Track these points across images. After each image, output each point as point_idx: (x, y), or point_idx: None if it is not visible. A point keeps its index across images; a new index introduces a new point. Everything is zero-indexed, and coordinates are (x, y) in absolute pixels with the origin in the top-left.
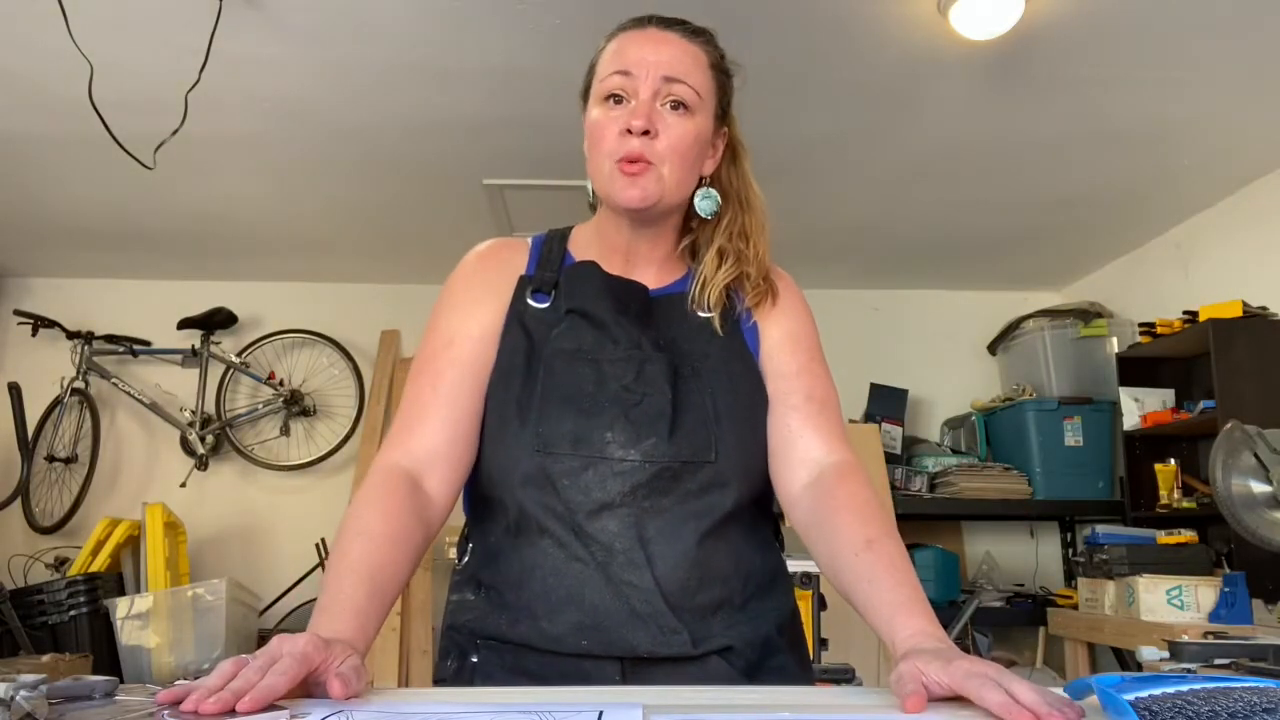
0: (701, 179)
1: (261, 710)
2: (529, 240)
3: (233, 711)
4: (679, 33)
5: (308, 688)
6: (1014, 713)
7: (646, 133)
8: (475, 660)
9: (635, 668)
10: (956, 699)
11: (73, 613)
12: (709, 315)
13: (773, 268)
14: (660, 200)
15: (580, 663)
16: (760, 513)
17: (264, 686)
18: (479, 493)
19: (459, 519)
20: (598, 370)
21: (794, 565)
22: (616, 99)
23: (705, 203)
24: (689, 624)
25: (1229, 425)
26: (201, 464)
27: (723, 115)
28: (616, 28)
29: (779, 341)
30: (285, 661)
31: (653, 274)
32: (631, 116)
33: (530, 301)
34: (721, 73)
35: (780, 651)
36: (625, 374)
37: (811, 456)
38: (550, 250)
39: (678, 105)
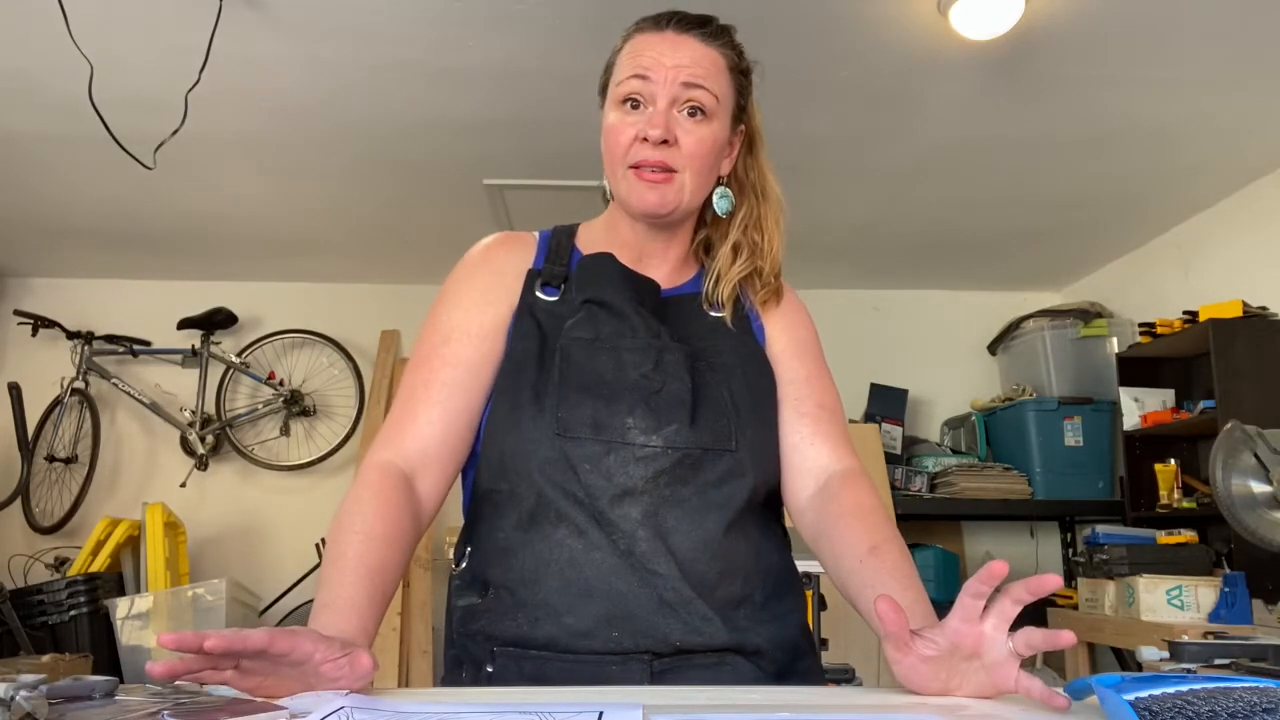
0: (719, 179)
1: (235, 706)
2: (535, 235)
3: (229, 710)
4: (697, 36)
5: (308, 683)
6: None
7: (665, 141)
8: (491, 670)
9: (664, 670)
10: (955, 699)
11: (73, 613)
12: (721, 314)
13: None
14: (679, 207)
15: (606, 667)
16: (774, 512)
17: (237, 632)
18: (485, 487)
19: (459, 519)
20: (616, 358)
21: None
22: (634, 103)
23: (722, 202)
24: (718, 614)
25: (1229, 425)
26: (201, 464)
27: (739, 114)
28: (634, 26)
29: (786, 346)
30: (268, 627)
31: (665, 274)
32: (649, 125)
33: (540, 294)
34: (740, 74)
35: (806, 654)
36: (644, 362)
37: (820, 465)
38: (558, 244)
39: (695, 111)
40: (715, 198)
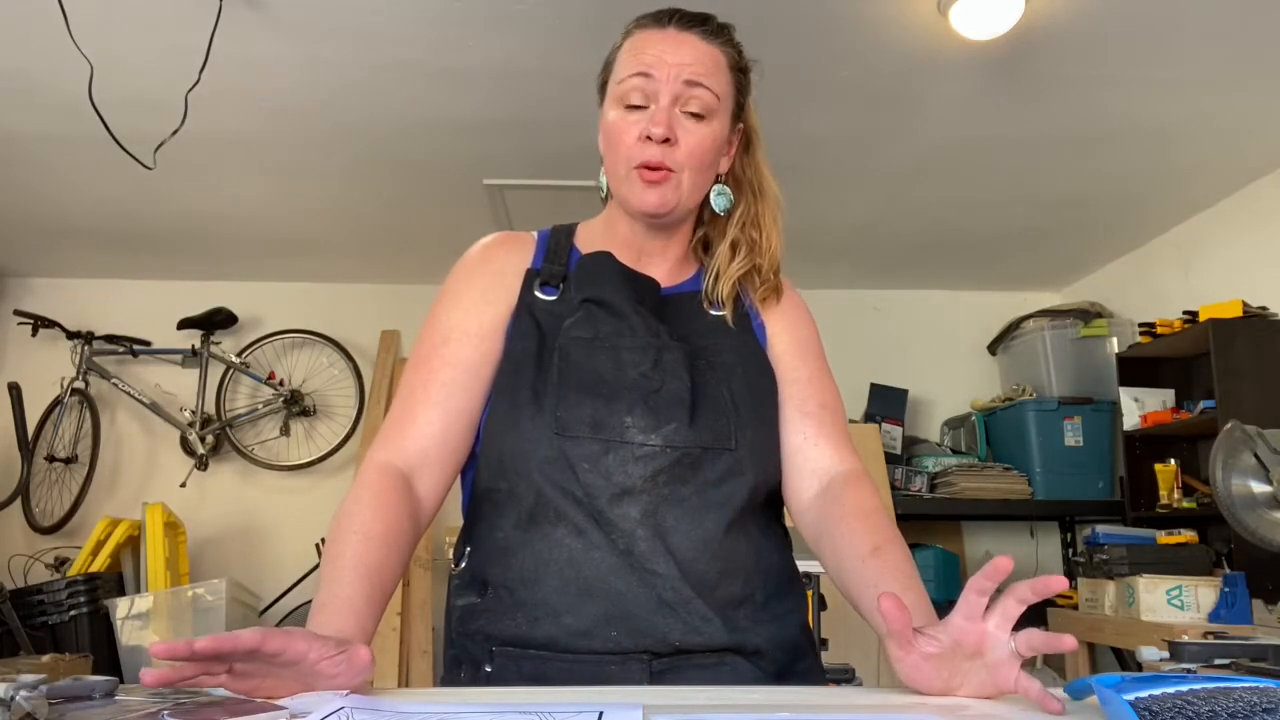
0: (717, 177)
1: (235, 706)
2: (534, 234)
3: (229, 710)
4: (699, 34)
5: (307, 683)
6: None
7: (666, 140)
8: (489, 670)
9: (663, 670)
10: (952, 694)
11: (73, 613)
12: (721, 313)
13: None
14: (678, 206)
15: (605, 667)
16: (774, 511)
17: (228, 634)
18: (484, 486)
19: (459, 519)
20: (615, 357)
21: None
22: (635, 102)
23: (720, 199)
24: (718, 614)
25: (1229, 425)
26: (201, 464)
27: (738, 112)
28: (635, 23)
29: (788, 346)
30: (261, 627)
31: (664, 272)
32: (651, 123)
33: (538, 294)
34: (740, 72)
35: (806, 655)
36: (643, 361)
37: (822, 466)
38: (557, 244)
39: (696, 112)
40: (713, 195)
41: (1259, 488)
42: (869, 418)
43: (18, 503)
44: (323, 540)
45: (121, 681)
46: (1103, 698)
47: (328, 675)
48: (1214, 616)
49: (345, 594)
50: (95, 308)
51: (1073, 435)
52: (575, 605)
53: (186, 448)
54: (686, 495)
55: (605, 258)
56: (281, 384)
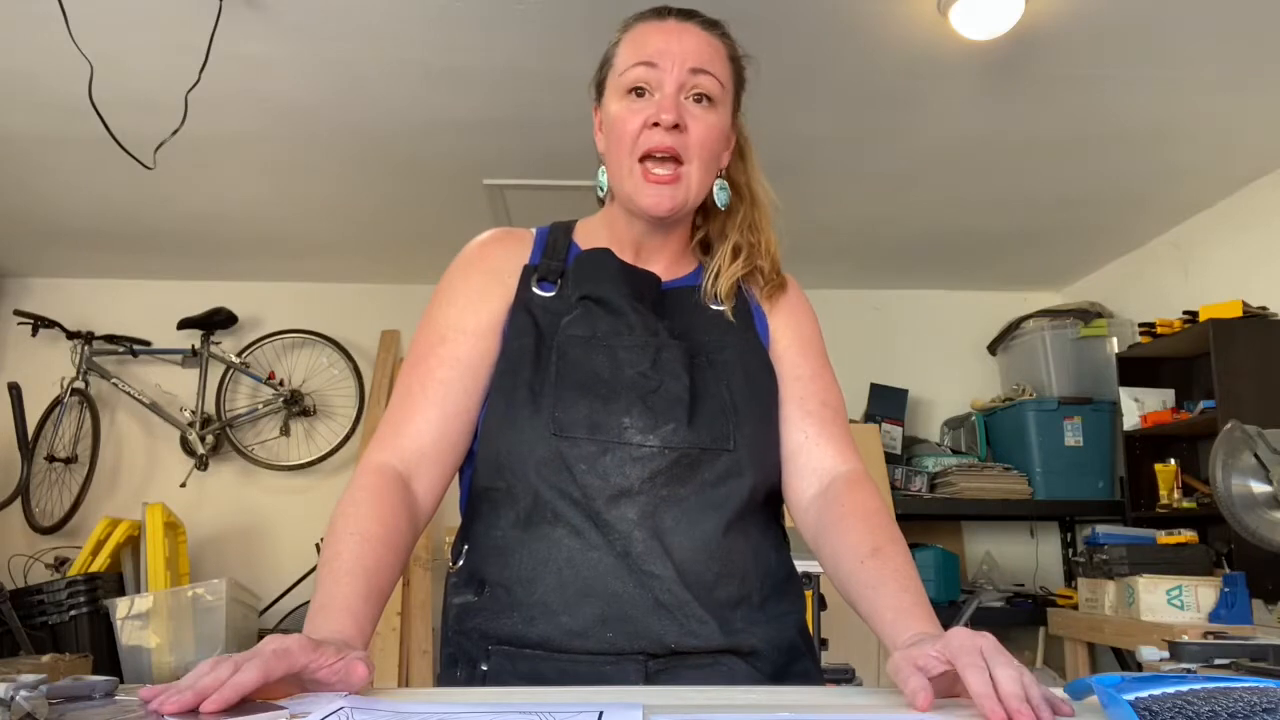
0: (718, 172)
1: (235, 707)
2: (532, 231)
3: (229, 711)
4: (698, 24)
5: (304, 686)
6: (988, 703)
7: (675, 126)
8: (485, 669)
9: (659, 670)
10: (956, 696)
11: (73, 613)
12: (721, 308)
13: None
14: (685, 205)
15: (601, 667)
16: (773, 511)
17: (231, 684)
18: (481, 485)
19: (459, 518)
20: (613, 356)
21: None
22: (639, 91)
23: (721, 194)
24: (714, 616)
25: (1229, 425)
26: (201, 464)
27: (737, 105)
28: (632, 19)
29: (790, 343)
30: (260, 659)
31: (663, 267)
32: (660, 110)
33: (536, 290)
34: (738, 65)
35: (803, 656)
36: (641, 360)
37: (824, 466)
38: (556, 240)
39: (701, 98)
40: (715, 189)
41: (1259, 488)
42: (869, 418)
43: (18, 503)
44: (323, 540)
45: (121, 681)
46: (1103, 698)
47: (326, 683)
48: (1214, 616)
49: (343, 594)
50: (95, 308)
51: (1073, 435)
52: (572, 605)
53: (186, 448)
54: (685, 496)
55: (603, 254)
56: (281, 384)
